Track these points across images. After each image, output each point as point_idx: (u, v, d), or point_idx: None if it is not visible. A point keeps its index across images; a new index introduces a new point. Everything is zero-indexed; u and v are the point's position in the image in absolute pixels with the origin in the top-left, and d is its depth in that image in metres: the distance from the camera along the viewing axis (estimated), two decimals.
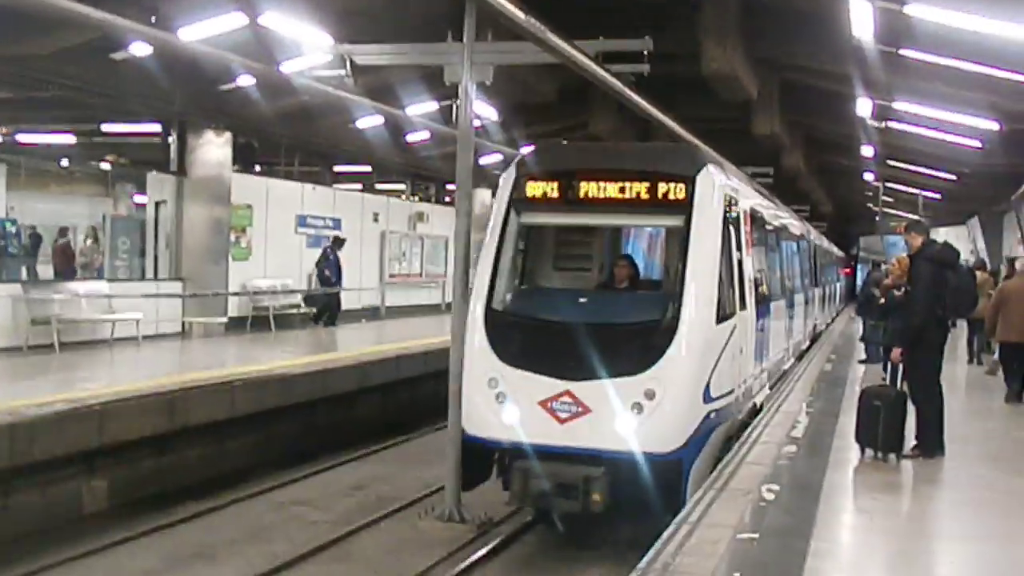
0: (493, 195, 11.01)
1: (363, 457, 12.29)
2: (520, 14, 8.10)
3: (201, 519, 9.48)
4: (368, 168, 26.21)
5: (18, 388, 10.17)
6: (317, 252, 19.69)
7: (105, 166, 20.22)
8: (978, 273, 16.18)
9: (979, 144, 18.59)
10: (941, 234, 27.92)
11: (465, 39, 9.14)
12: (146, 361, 13.50)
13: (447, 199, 27.41)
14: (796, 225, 17.89)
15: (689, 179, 8.26)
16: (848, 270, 42.65)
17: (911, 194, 31.90)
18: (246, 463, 11.24)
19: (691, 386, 7.76)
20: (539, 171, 8.76)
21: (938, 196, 30.87)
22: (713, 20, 15.97)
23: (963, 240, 33.16)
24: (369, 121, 20.23)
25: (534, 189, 8.67)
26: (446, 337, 9.64)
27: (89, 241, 20.01)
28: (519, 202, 8.72)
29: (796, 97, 21.66)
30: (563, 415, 7.69)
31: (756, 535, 5.71)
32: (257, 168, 21.09)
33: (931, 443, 8.16)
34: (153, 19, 12.94)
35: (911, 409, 8.14)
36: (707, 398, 7.90)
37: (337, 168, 25.67)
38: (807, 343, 17.96)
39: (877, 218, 41.48)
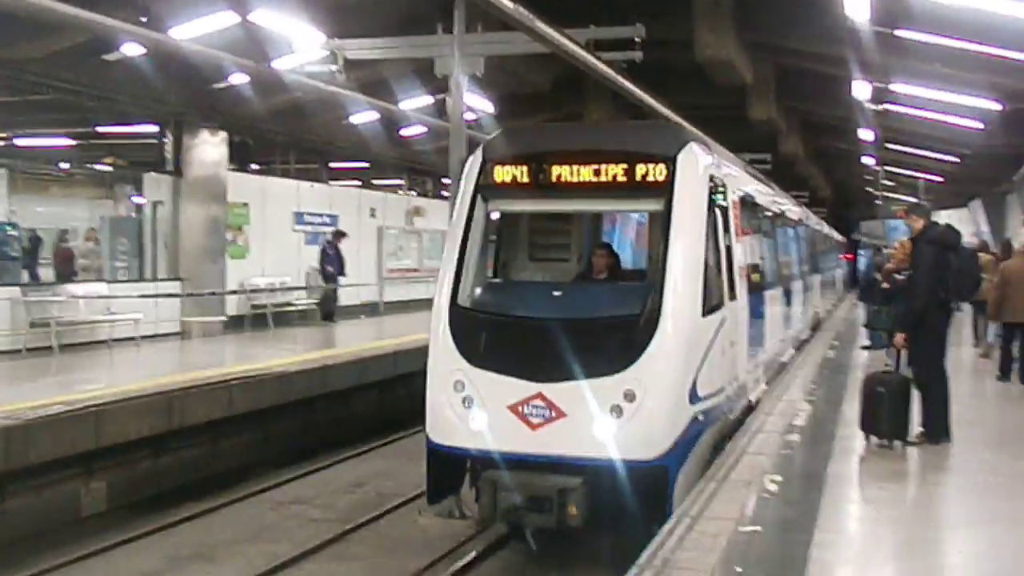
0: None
1: (362, 454, 12.24)
2: (509, 3, 8.03)
3: (200, 519, 9.44)
4: (365, 164, 26.12)
5: (17, 391, 10.12)
6: (314, 249, 19.64)
7: (105, 168, 20.17)
8: (980, 255, 16.04)
9: (980, 125, 18.40)
10: (943, 217, 27.74)
11: (455, 31, 9.07)
12: (145, 362, 13.48)
13: (444, 193, 27.32)
14: (794, 210, 17.31)
15: (670, 159, 7.59)
16: (849, 255, 42.49)
17: (912, 177, 31.74)
18: (245, 462, 11.22)
19: (675, 385, 7.11)
20: (507, 155, 8.03)
21: (939, 179, 30.70)
22: (705, 5, 15.85)
23: (966, 222, 33.00)
24: (363, 117, 20.14)
25: (502, 174, 7.93)
26: None
27: (89, 244, 19.94)
28: (486, 188, 7.99)
29: (792, 82, 21.52)
30: (535, 420, 7.02)
31: (758, 528, 5.60)
32: (253, 167, 21.04)
33: (937, 429, 8.03)
34: (145, 19, 12.91)
35: (916, 395, 8.01)
36: (694, 398, 7.27)
37: (333, 165, 25.61)
38: (808, 332, 17.25)
39: (878, 202, 41.36)
